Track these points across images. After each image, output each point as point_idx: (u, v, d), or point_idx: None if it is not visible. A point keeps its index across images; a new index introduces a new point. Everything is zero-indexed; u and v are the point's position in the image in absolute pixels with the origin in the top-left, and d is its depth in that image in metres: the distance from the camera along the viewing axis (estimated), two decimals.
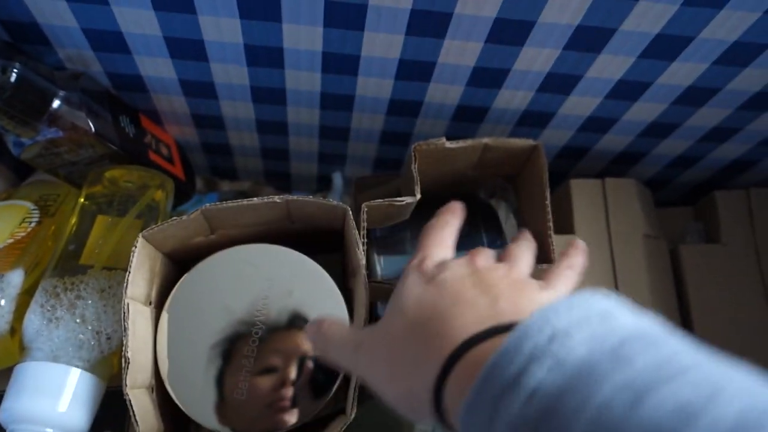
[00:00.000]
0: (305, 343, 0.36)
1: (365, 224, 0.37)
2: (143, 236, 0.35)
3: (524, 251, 0.33)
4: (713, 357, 0.19)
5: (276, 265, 0.37)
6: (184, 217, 0.35)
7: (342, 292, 0.37)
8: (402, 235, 0.42)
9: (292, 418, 0.35)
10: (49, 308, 0.36)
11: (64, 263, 0.38)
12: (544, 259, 0.39)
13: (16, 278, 0.38)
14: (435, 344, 0.25)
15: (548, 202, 0.40)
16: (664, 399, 0.17)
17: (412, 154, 0.39)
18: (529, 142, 0.40)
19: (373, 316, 0.39)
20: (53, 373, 0.34)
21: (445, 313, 0.26)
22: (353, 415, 0.33)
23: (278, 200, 0.36)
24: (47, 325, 0.35)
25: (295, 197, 0.36)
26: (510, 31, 0.36)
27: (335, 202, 0.36)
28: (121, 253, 0.38)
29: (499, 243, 0.43)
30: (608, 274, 0.44)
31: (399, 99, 0.44)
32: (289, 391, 0.35)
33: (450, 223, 0.35)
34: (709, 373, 0.18)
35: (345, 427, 0.33)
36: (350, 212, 0.36)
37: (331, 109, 0.46)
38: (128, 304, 0.33)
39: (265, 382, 0.35)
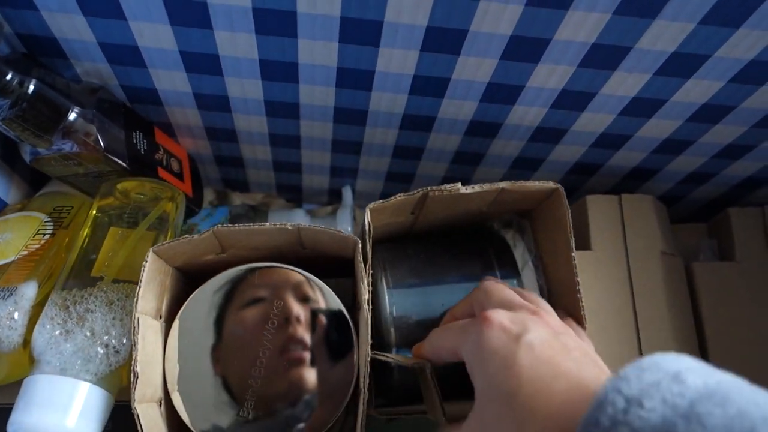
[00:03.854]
0: (311, 365, 0.35)
1: (370, 226, 0.36)
2: (153, 251, 0.35)
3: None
4: None
5: (285, 285, 0.37)
6: (195, 236, 0.35)
7: (351, 315, 0.37)
8: (412, 265, 0.39)
9: None
10: (59, 321, 0.36)
11: (76, 275, 0.38)
12: (572, 314, 0.37)
13: (29, 290, 0.38)
14: (543, 423, 0.24)
15: (573, 254, 0.37)
16: None
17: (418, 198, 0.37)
18: (548, 185, 0.37)
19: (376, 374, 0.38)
20: (62, 387, 0.34)
21: (546, 387, 0.25)
22: None
23: (290, 227, 0.35)
24: (56, 338, 0.35)
25: (306, 226, 0.35)
26: (525, 49, 0.36)
27: (346, 234, 0.36)
28: (132, 265, 0.38)
29: (515, 282, 0.39)
30: (625, 292, 0.44)
31: (412, 114, 0.44)
32: (297, 410, 0.35)
33: (493, 286, 0.34)
34: None
35: None
36: (360, 245, 0.36)
37: (345, 124, 0.46)
38: (138, 319, 0.33)
39: (272, 402, 0.35)
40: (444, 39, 0.36)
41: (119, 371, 0.36)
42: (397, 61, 0.38)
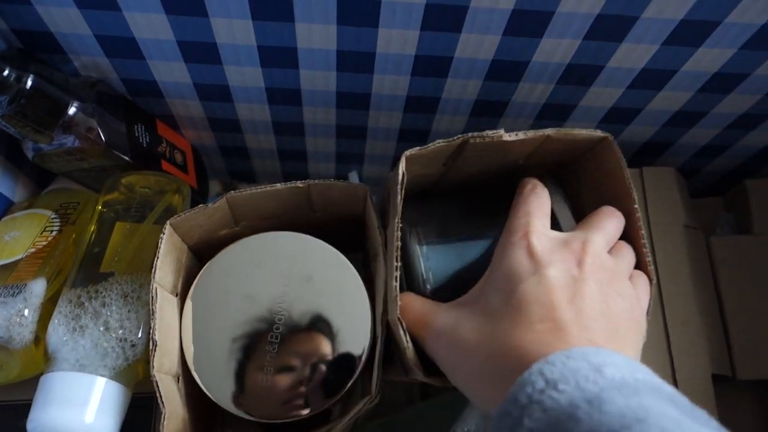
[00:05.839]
0: (326, 329, 0.36)
1: (404, 176, 0.33)
2: (170, 223, 0.36)
3: (629, 251, 0.33)
4: (684, 411, 0.21)
5: (295, 251, 0.37)
6: (209, 205, 0.36)
7: (364, 274, 0.37)
8: (443, 221, 0.36)
9: (319, 400, 0.35)
10: (73, 318, 0.36)
11: (86, 271, 0.38)
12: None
13: (38, 288, 0.38)
14: (512, 358, 0.26)
15: (635, 203, 0.33)
16: None
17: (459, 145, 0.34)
18: (597, 133, 0.34)
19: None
20: (79, 383, 0.34)
21: (534, 325, 0.27)
22: (379, 396, 0.33)
23: (300, 185, 0.36)
24: (72, 335, 0.35)
25: (316, 181, 0.37)
26: (528, 23, 0.35)
27: (356, 183, 0.37)
28: (142, 259, 0.38)
29: None
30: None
31: (416, 96, 0.43)
32: (314, 375, 0.35)
33: (544, 190, 0.34)
34: (663, 426, 0.20)
35: (370, 406, 0.33)
36: (370, 192, 0.37)
37: (348, 108, 0.45)
38: (156, 289, 0.34)
39: (290, 367, 0.35)
40: (444, 16, 0.35)
41: (135, 365, 0.36)
42: (397, 41, 0.37)
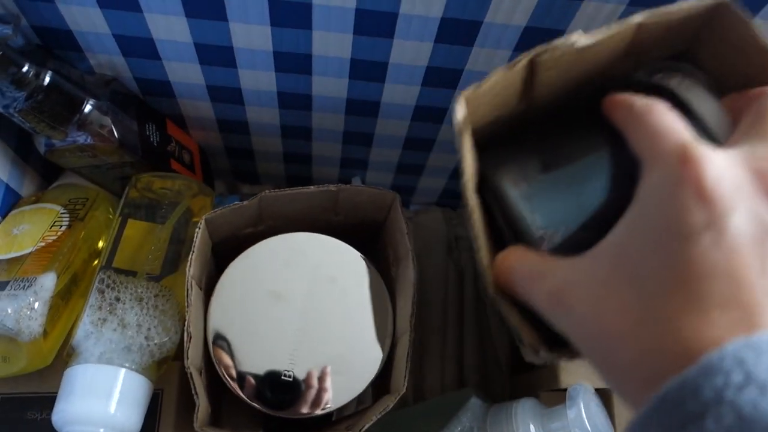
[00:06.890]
0: (347, 329, 0.36)
1: (465, 118, 0.26)
2: (205, 219, 0.37)
3: None
4: None
5: (320, 253, 0.38)
6: (244, 203, 0.37)
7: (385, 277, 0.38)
8: (539, 152, 0.28)
9: (335, 399, 0.36)
10: (97, 309, 0.37)
11: (106, 264, 0.39)
12: None
13: (48, 282, 0.38)
14: (678, 352, 0.18)
15: None
16: None
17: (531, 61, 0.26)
18: (707, 1, 0.26)
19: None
20: (103, 375, 0.35)
21: (712, 313, 0.18)
22: (405, 387, 0.34)
23: (332, 188, 0.38)
24: (96, 328, 0.36)
25: (347, 186, 0.38)
26: (539, 39, 0.36)
27: (385, 189, 0.38)
28: (160, 260, 0.39)
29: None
30: None
31: (425, 105, 0.44)
32: (332, 375, 0.36)
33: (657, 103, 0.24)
34: None
35: (397, 401, 0.34)
36: (398, 199, 0.38)
37: (357, 115, 0.46)
38: (192, 282, 0.34)
39: (309, 366, 0.36)
40: (458, 30, 0.36)
41: (159, 362, 0.37)
42: (410, 52, 0.38)
